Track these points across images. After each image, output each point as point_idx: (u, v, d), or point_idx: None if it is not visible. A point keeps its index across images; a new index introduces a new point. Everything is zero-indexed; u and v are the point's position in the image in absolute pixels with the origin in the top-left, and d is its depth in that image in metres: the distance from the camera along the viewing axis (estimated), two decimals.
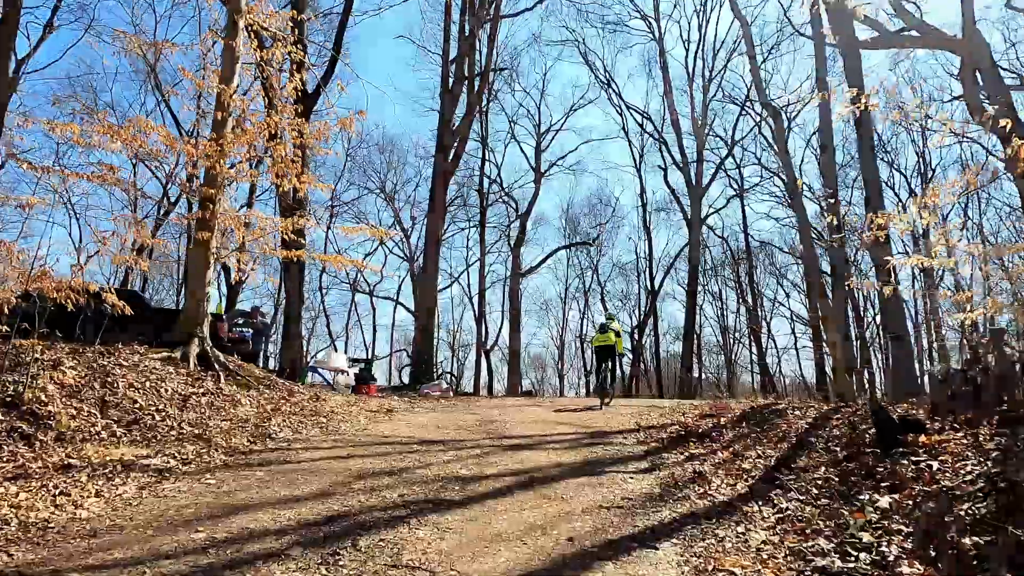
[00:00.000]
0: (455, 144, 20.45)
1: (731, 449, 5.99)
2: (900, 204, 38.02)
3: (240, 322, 14.26)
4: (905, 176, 37.67)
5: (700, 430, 7.47)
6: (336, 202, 33.64)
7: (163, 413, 6.53)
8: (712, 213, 32.09)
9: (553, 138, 37.41)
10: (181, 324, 8.82)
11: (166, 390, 7.15)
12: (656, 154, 41.62)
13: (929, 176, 37.03)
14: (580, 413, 10.00)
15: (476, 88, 21.48)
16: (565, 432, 7.70)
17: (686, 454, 6.05)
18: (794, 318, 43.19)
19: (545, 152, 34.48)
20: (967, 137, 33.08)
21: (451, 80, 20.95)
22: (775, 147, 35.77)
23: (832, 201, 10.20)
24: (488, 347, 37.98)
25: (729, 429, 7.08)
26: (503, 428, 7.81)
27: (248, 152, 8.66)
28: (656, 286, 33.26)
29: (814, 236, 34.96)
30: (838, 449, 4.67)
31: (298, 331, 19.89)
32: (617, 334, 11.42)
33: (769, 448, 5.62)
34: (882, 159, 37.47)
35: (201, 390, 7.65)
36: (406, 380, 19.59)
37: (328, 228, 32.47)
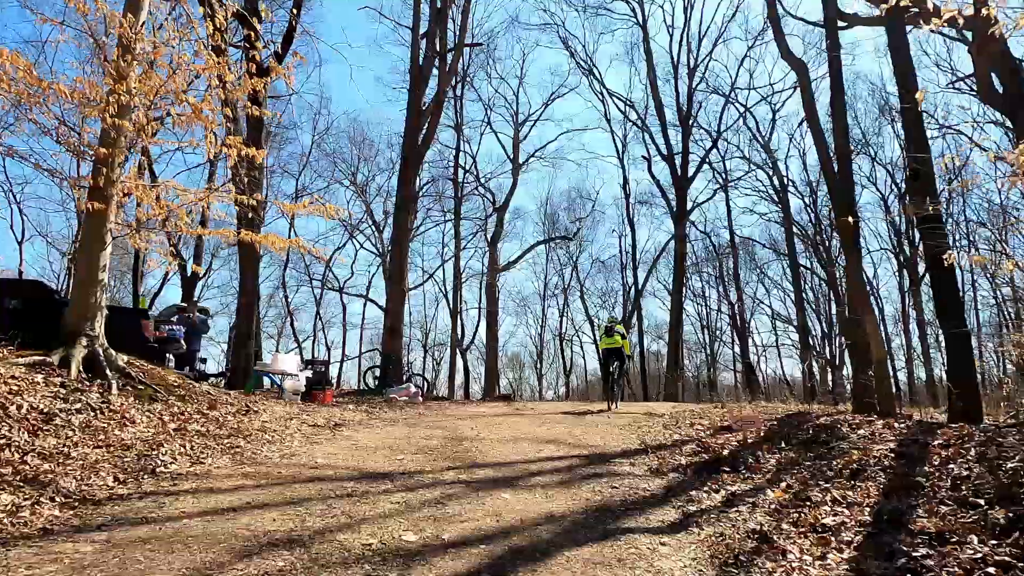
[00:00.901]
0: (425, 126, 18.68)
1: (784, 485, 4.38)
2: (883, 201, 37.23)
3: (174, 319, 12.36)
4: (888, 169, 36.90)
5: (724, 451, 5.88)
6: (303, 193, 31.60)
7: (2, 440, 4.72)
8: (698, 205, 30.83)
9: (531, 128, 35.85)
10: (65, 320, 6.96)
11: (19, 407, 5.31)
12: (639, 145, 40.20)
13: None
14: (569, 423, 8.34)
15: (448, 65, 19.70)
16: (554, 455, 6.03)
17: (722, 493, 4.43)
18: (775, 316, 42.49)
19: (523, 143, 32.89)
20: (952, 128, 32.29)
21: (421, 56, 19.18)
22: (759, 139, 34.76)
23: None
24: (464, 346, 36.38)
25: (766, 452, 5.49)
26: (475, 450, 6.12)
27: (154, 101, 6.81)
28: (641, 282, 31.89)
29: (796, 233, 34.12)
30: (982, 502, 3.08)
31: (249, 329, 18.04)
32: (623, 336, 11.51)
33: (845, 488, 4.01)
34: (864, 152, 36.72)
35: (77, 406, 5.81)
36: (373, 383, 17.79)
37: (293, 220, 30.40)
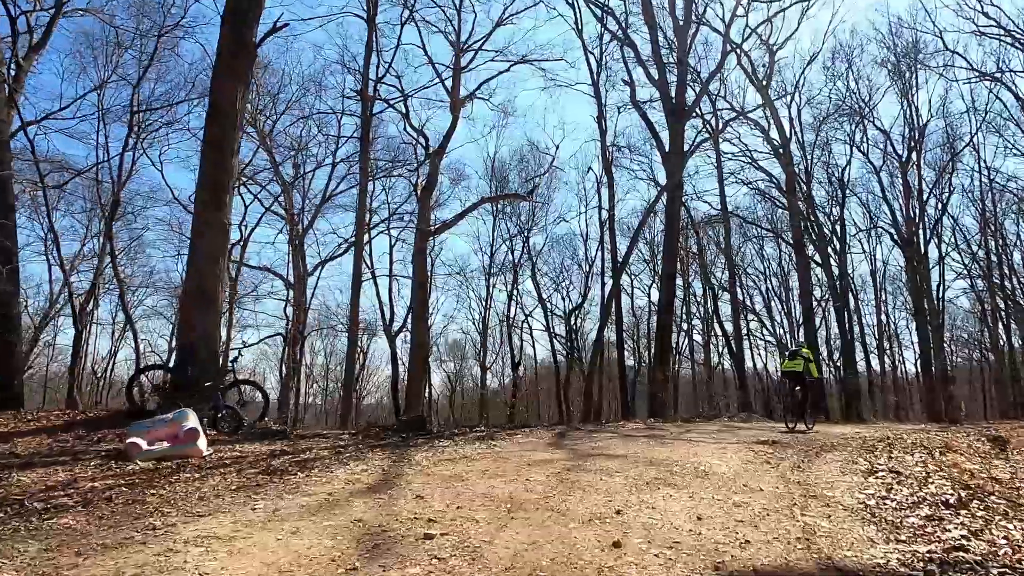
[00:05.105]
0: None
1: None
2: (876, 173, 30.78)
3: None
4: (887, 134, 30.46)
5: None
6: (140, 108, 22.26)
7: None
8: (697, 146, 23.30)
9: (476, 54, 26.37)
10: None
11: None
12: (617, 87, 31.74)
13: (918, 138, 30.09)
14: None
15: None
16: None
17: None
18: (752, 310, 36.11)
19: (467, 73, 23.77)
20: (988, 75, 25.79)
21: None
22: (754, 82, 27.42)
23: None
24: (395, 331, 28.46)
25: None
26: None
27: None
28: (624, 253, 24.19)
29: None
30: None
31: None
32: (808, 359, 10.91)
33: None
34: (859, 115, 30.44)
35: None
36: (152, 401, 9.42)
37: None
